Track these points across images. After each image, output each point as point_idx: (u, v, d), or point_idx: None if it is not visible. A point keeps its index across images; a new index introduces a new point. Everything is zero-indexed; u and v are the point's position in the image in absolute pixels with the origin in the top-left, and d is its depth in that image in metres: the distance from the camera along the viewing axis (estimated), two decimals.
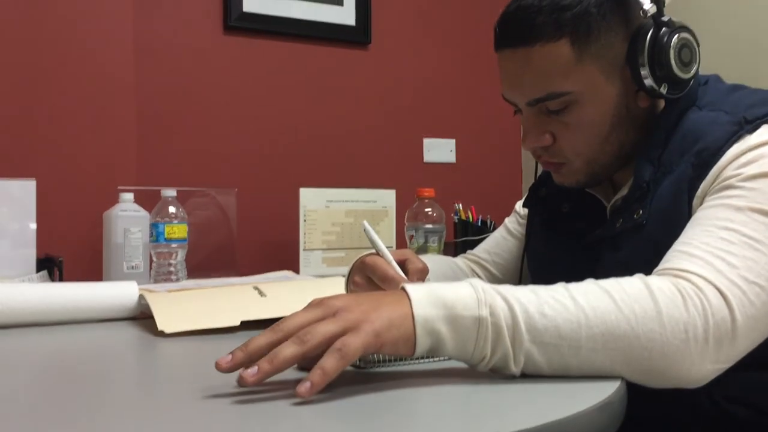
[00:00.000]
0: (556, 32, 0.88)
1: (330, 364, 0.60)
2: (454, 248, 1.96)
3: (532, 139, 0.95)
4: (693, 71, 0.92)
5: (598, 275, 0.73)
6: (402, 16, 2.29)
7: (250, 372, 0.60)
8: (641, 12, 0.89)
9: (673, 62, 0.89)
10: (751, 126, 0.85)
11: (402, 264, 0.97)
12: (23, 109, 1.67)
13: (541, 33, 0.89)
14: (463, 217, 2.01)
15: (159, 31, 1.93)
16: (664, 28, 0.90)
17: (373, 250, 0.99)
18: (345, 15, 2.17)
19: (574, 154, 0.94)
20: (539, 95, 0.91)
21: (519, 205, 1.24)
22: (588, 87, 0.90)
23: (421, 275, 0.97)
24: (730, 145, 0.84)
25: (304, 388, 0.58)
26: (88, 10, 1.74)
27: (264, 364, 0.60)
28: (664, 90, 0.91)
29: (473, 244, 1.33)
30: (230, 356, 0.62)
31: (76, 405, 0.63)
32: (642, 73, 0.90)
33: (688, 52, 0.91)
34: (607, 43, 0.90)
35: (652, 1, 0.89)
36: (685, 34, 0.91)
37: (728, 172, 0.82)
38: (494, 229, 1.92)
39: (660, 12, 0.90)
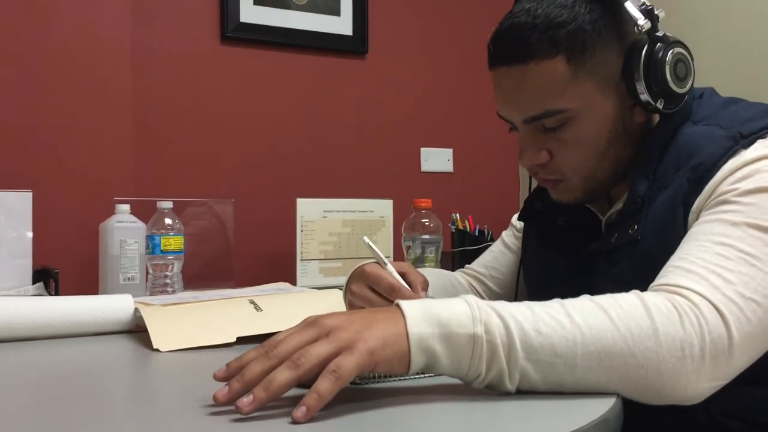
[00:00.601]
0: (551, 50, 0.88)
1: (325, 386, 0.59)
2: (451, 258, 1.95)
3: (528, 156, 0.94)
4: (688, 86, 0.92)
5: (593, 289, 0.73)
6: (399, 26, 2.29)
7: (246, 401, 0.59)
8: (636, 28, 0.89)
9: (668, 77, 0.89)
10: (747, 141, 0.85)
11: (402, 277, 0.97)
12: (20, 120, 1.67)
13: (536, 51, 0.88)
14: (461, 227, 2.00)
15: (156, 41, 1.93)
16: (658, 44, 0.90)
17: (372, 259, 0.99)
18: (342, 25, 2.17)
19: (571, 170, 0.94)
20: (535, 113, 0.91)
21: (515, 219, 1.24)
22: (584, 104, 0.90)
23: (424, 287, 0.98)
24: (726, 160, 0.84)
25: (300, 412, 0.58)
26: (85, 20, 1.74)
27: (259, 392, 0.60)
28: (660, 105, 0.90)
29: (470, 254, 1.33)
30: (227, 388, 0.62)
31: (71, 420, 0.63)
32: (638, 88, 0.90)
33: (683, 67, 0.91)
34: (603, 60, 0.90)
35: (646, 17, 0.89)
36: (679, 49, 0.91)
37: (724, 187, 0.82)
38: (492, 239, 1.93)
39: (654, 27, 0.90)
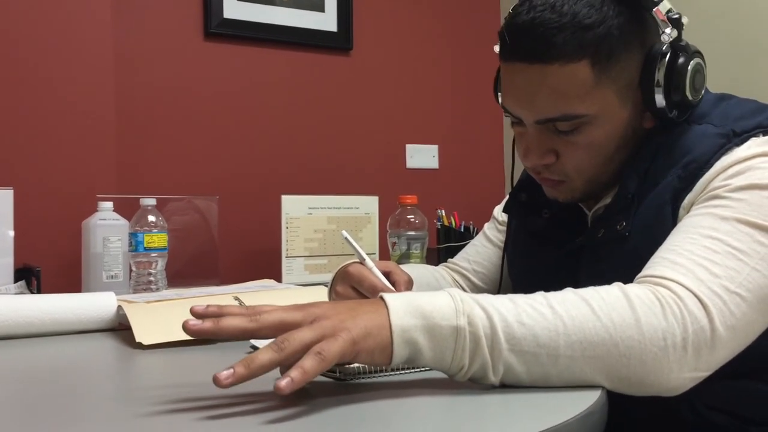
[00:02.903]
0: (576, 53, 0.84)
1: (309, 364, 0.59)
2: (437, 255, 1.95)
3: (535, 156, 0.92)
4: (701, 96, 0.91)
5: (579, 284, 0.73)
6: (384, 22, 2.29)
7: (225, 374, 0.59)
8: (662, 36, 0.87)
9: (687, 88, 0.88)
10: (740, 139, 0.84)
11: (386, 275, 0.97)
12: (0, 117, 1.65)
13: (562, 52, 0.84)
14: (446, 223, 2.00)
15: (139, 37, 1.92)
16: (681, 53, 0.88)
17: (356, 258, 0.98)
18: (326, 21, 2.16)
19: (576, 173, 0.92)
20: (551, 115, 0.88)
21: (497, 211, 1.23)
22: (602, 110, 0.87)
23: (408, 286, 0.97)
24: (718, 158, 0.84)
25: (284, 382, 0.58)
26: (66, 17, 1.72)
27: (240, 368, 0.59)
28: (674, 114, 0.89)
29: (456, 251, 1.33)
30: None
31: (53, 419, 0.63)
32: (656, 97, 0.88)
33: (701, 78, 0.90)
34: (626, 66, 0.87)
35: (673, 26, 0.87)
36: (698, 60, 0.89)
37: (716, 183, 0.82)
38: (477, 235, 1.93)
39: (679, 36, 0.88)
